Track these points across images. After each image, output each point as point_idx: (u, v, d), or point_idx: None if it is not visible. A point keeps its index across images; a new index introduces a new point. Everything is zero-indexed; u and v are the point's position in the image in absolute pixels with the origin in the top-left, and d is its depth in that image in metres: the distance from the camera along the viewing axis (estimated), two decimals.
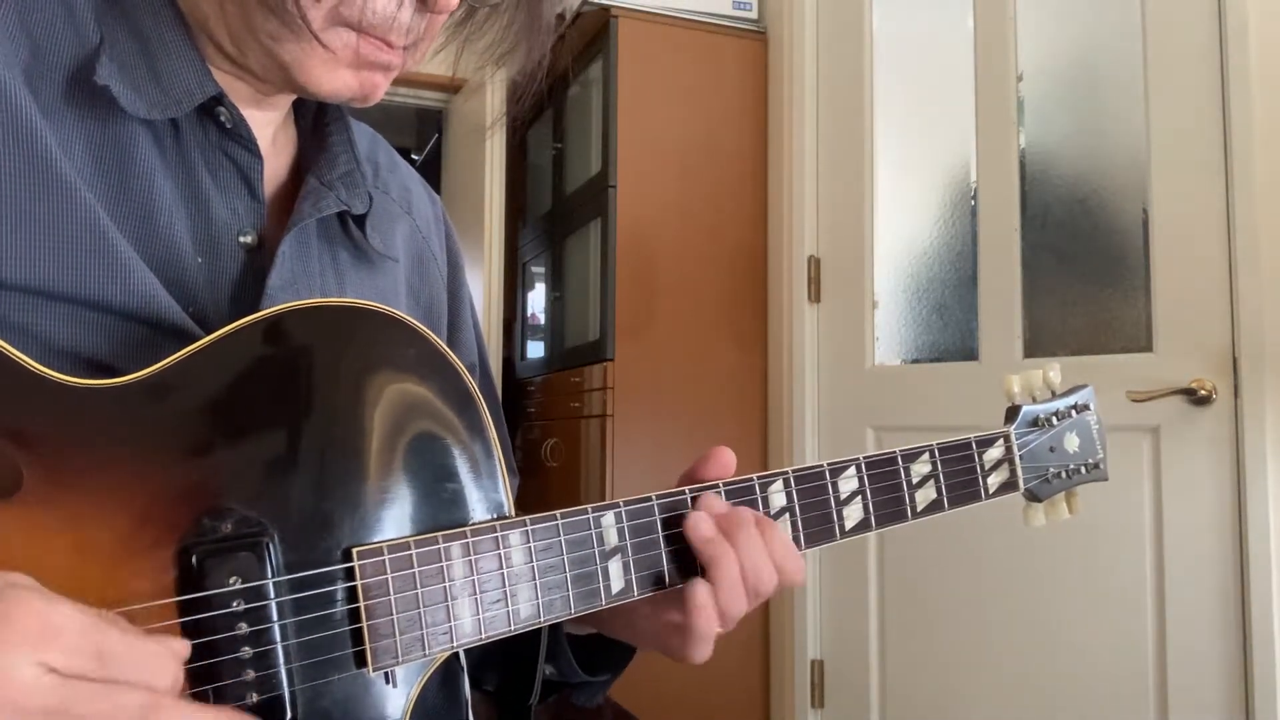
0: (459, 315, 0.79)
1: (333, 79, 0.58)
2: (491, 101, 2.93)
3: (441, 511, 0.56)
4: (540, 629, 0.65)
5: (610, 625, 0.70)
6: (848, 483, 0.69)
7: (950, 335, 2.12)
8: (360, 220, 0.67)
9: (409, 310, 0.72)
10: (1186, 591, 1.64)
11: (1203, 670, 1.61)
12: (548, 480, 2.77)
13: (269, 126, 0.65)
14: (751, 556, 0.61)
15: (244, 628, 0.49)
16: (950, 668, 2.02)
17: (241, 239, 0.60)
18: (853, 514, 0.69)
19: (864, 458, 0.70)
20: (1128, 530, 1.71)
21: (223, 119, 0.59)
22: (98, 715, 0.39)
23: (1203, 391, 1.62)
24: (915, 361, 2.20)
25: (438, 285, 0.77)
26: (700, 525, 0.62)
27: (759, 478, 0.66)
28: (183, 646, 0.44)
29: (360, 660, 0.52)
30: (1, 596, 0.39)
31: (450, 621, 0.54)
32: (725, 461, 0.66)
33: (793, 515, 0.67)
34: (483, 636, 0.55)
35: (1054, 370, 0.81)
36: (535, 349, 3.25)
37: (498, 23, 0.65)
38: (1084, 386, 0.84)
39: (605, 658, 0.72)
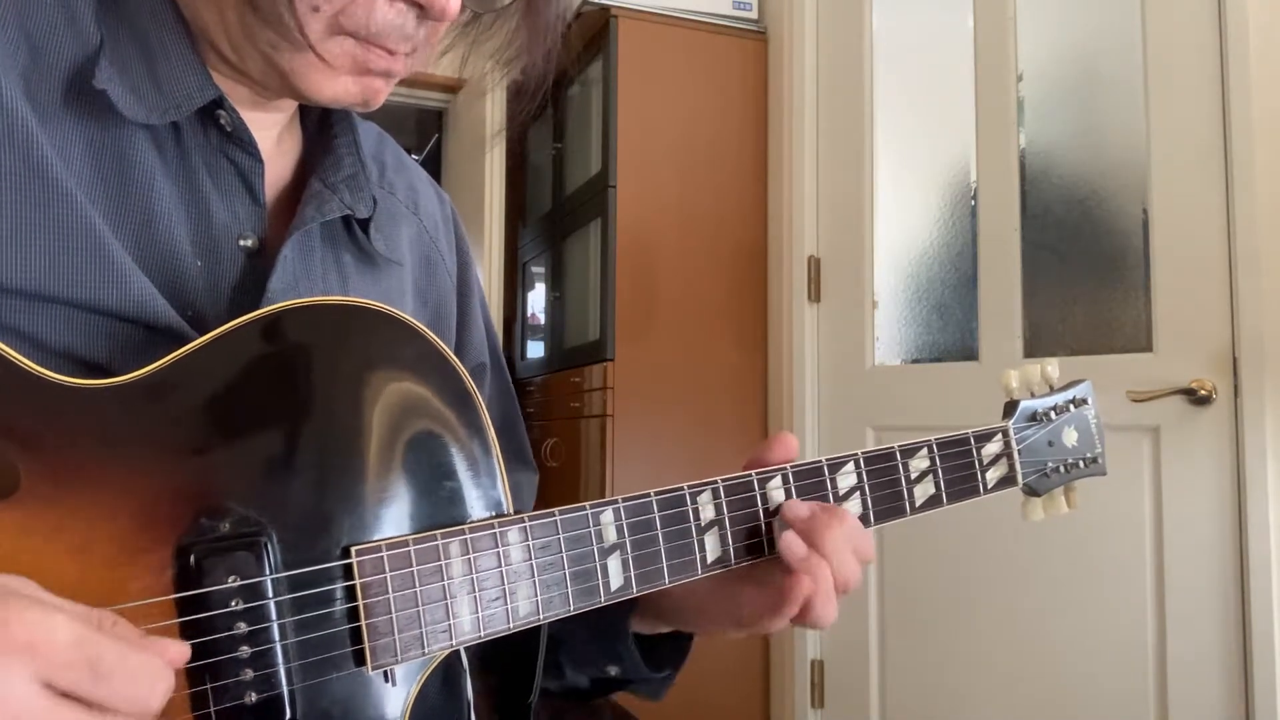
0: (468, 314, 0.79)
1: (332, 86, 0.58)
2: (493, 103, 2.93)
3: (440, 510, 0.56)
4: (540, 627, 0.65)
5: (671, 608, 0.71)
6: (846, 478, 0.69)
7: (950, 335, 2.12)
8: (364, 223, 0.67)
9: (415, 312, 0.72)
10: (1186, 591, 1.64)
11: (1203, 670, 1.61)
12: (548, 480, 2.77)
13: (272, 129, 0.65)
14: (845, 566, 0.64)
15: (243, 627, 0.48)
16: (950, 668, 2.02)
17: (241, 242, 0.60)
18: (851, 509, 0.69)
19: (862, 453, 0.70)
20: (1127, 530, 1.71)
21: (223, 122, 0.59)
22: None
23: (1203, 391, 1.61)
24: (915, 361, 2.20)
25: (446, 285, 0.77)
26: (793, 545, 0.64)
27: (758, 474, 0.66)
28: (179, 653, 0.44)
29: (359, 659, 0.52)
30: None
31: (449, 620, 0.54)
32: (790, 446, 0.69)
33: None
34: (482, 635, 0.55)
35: (1052, 365, 0.81)
36: (535, 349, 3.25)
37: (504, 27, 0.65)
38: (1082, 381, 0.84)
39: (667, 653, 0.74)
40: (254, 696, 0.48)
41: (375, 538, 0.53)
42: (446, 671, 0.58)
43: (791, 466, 0.67)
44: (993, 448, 0.76)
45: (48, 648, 0.38)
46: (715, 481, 0.65)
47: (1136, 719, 1.70)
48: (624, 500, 0.61)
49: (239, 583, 0.49)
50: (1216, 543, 1.60)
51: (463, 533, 0.55)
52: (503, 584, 0.56)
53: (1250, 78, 1.58)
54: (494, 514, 0.58)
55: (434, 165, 3.60)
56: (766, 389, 2.49)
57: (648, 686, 0.74)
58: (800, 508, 0.66)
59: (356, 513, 0.53)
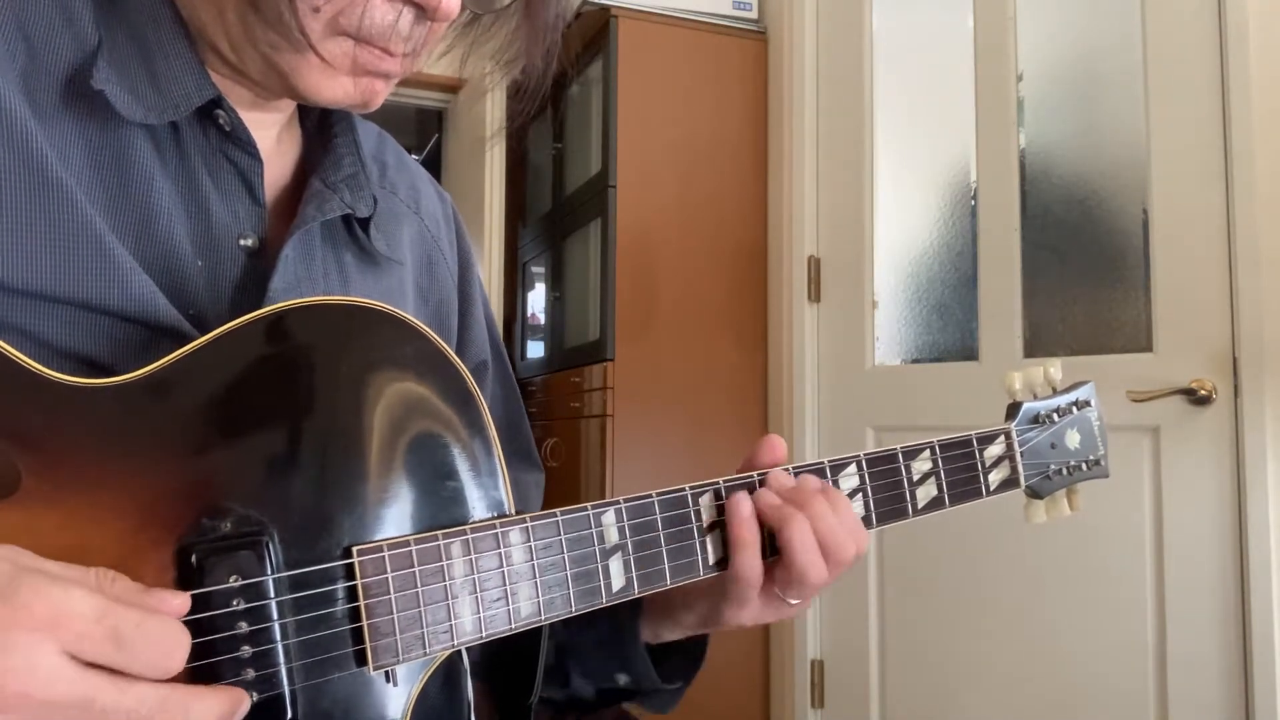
0: (469, 313, 0.79)
1: (332, 87, 0.58)
2: (493, 104, 2.93)
3: (441, 510, 0.56)
4: (541, 627, 0.65)
5: (672, 611, 0.70)
6: (848, 480, 0.69)
7: (950, 335, 2.12)
8: (365, 223, 0.67)
9: (416, 311, 0.72)
10: (1186, 591, 1.64)
11: (1203, 670, 1.61)
12: (548, 480, 2.77)
13: (272, 128, 0.65)
14: (825, 521, 0.64)
15: (244, 626, 0.48)
16: (950, 668, 2.02)
17: (242, 242, 0.60)
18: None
19: (865, 455, 0.70)
20: (1128, 530, 1.71)
21: (221, 122, 0.59)
22: (121, 709, 0.40)
23: (1203, 391, 1.61)
24: (915, 361, 2.20)
25: (447, 284, 0.77)
26: (764, 496, 0.64)
27: (759, 475, 0.66)
28: (181, 603, 0.45)
29: (361, 659, 0.52)
30: (13, 583, 0.39)
31: (451, 620, 0.54)
32: (778, 449, 0.69)
33: None
34: (483, 635, 0.55)
35: (1055, 367, 0.81)
36: (535, 349, 3.25)
37: (504, 28, 0.65)
38: (1085, 383, 0.83)
39: (677, 664, 0.73)
40: (255, 696, 0.48)
41: (377, 538, 0.53)
42: (448, 672, 0.58)
43: (794, 467, 0.67)
44: (995, 450, 0.76)
45: (71, 621, 0.40)
46: (717, 482, 0.65)
47: (1137, 718, 1.70)
48: (626, 501, 0.61)
49: (240, 582, 0.49)
50: (1216, 543, 1.60)
51: (464, 533, 0.55)
52: (504, 584, 0.56)
53: (1250, 78, 1.58)
54: (496, 514, 0.58)
55: (434, 165, 3.60)
56: (766, 389, 2.49)
57: (657, 698, 0.73)
58: (787, 479, 0.66)
59: (358, 513, 0.53)
